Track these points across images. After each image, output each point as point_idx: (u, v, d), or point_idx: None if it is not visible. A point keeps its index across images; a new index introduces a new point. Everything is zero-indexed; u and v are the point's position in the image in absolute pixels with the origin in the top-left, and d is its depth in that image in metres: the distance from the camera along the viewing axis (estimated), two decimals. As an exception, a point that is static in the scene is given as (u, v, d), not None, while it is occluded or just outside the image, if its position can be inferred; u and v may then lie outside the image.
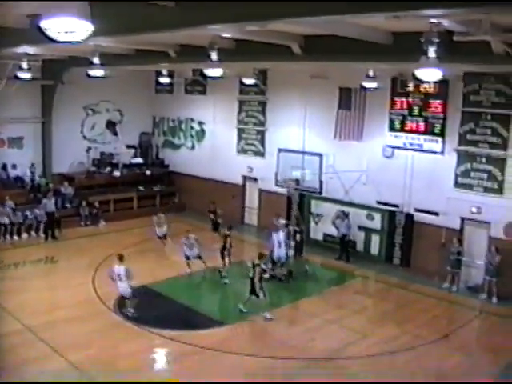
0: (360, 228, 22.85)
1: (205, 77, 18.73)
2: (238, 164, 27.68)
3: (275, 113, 26.12)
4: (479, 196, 19.77)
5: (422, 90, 20.61)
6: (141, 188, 29.70)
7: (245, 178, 27.84)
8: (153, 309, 17.18)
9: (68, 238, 24.38)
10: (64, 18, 6.58)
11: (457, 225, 20.38)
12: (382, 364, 14.30)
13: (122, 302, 16.68)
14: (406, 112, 21.46)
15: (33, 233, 24.49)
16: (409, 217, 21.64)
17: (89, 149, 29.19)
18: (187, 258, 19.95)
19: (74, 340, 14.70)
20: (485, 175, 19.65)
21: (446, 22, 10.55)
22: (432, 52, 11.15)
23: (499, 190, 19.28)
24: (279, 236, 20.20)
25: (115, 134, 30.64)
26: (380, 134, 22.29)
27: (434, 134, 20.72)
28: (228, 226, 20.69)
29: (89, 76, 19.81)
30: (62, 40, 6.94)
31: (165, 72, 27.22)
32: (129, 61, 21.79)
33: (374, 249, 22.71)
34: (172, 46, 18.99)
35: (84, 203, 26.82)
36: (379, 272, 21.39)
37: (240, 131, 27.79)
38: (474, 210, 19.77)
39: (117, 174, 29.13)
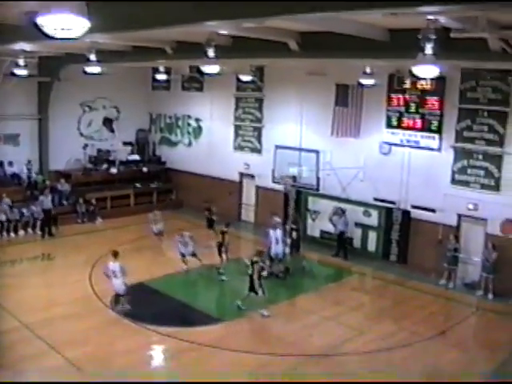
0: (357, 225, 22.86)
1: (202, 73, 18.75)
2: (235, 161, 27.67)
3: (272, 109, 26.12)
4: (476, 193, 19.80)
5: (418, 86, 20.69)
6: (138, 185, 29.67)
7: (242, 174, 27.85)
8: (150, 306, 17.17)
9: (65, 235, 24.34)
10: (61, 14, 6.57)
11: (453, 221, 20.41)
12: (378, 360, 14.33)
13: (116, 299, 16.64)
14: (402, 109, 21.47)
15: (29, 230, 24.42)
16: (406, 213, 21.67)
17: (85, 146, 29.17)
18: (182, 255, 19.94)
19: (71, 337, 14.69)
20: (481, 172, 19.68)
21: (442, 19, 10.56)
22: (429, 49, 11.16)
23: (496, 187, 19.31)
24: (276, 233, 20.21)
25: (112, 130, 30.63)
26: (377, 131, 22.31)
27: (430, 130, 20.74)
28: (225, 222, 20.68)
29: (85, 73, 19.73)
30: (58, 37, 6.94)
31: (161, 69, 27.16)
32: (125, 57, 21.74)
33: (371, 245, 22.73)
34: (169, 42, 18.95)
35: (81, 200, 26.77)
36: (376, 269, 21.43)
37: (237, 128, 27.77)
38: (471, 206, 19.80)
39: (114, 170, 29.10)
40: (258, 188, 27.12)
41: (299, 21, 12.25)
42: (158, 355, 14.82)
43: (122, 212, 27.86)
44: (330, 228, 23.42)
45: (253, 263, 16.75)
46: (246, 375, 13.16)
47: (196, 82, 29.43)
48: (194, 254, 19.97)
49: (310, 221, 24.60)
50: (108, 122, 30.54)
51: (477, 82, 19.47)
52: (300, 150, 23.77)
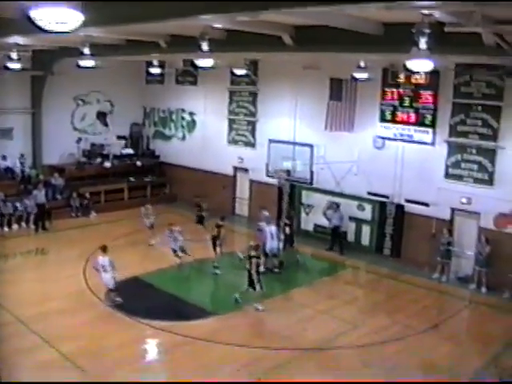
0: (351, 219, 22.89)
1: (196, 67, 18.70)
2: (229, 155, 27.66)
3: (266, 103, 26.10)
4: (469, 187, 19.86)
5: (412, 81, 20.69)
6: (131, 179, 29.63)
7: (236, 168, 27.84)
8: (144, 300, 17.17)
9: (59, 230, 24.29)
10: (55, 8, 6.55)
11: (447, 215, 20.47)
12: (372, 354, 14.38)
13: (108, 293, 16.65)
14: (396, 103, 21.49)
15: (23, 224, 24.38)
16: (399, 207, 21.72)
17: (79, 140, 29.10)
18: (174, 250, 19.88)
19: (65, 331, 14.70)
20: (475, 166, 19.73)
21: (437, 13, 10.56)
22: (423, 43, 11.15)
23: (489, 181, 19.37)
24: (271, 228, 20.21)
25: (106, 124, 30.56)
26: (371, 125, 22.33)
27: (424, 125, 20.77)
28: (221, 216, 20.64)
29: (79, 66, 19.64)
30: (52, 30, 6.92)
31: (155, 62, 27.05)
32: (119, 51, 21.67)
33: (365, 239, 22.78)
34: (163, 36, 18.91)
35: (75, 194, 26.72)
36: (370, 262, 21.48)
37: (231, 122, 27.75)
38: (465, 200, 19.86)
39: (107, 164, 29.04)
40: (251, 182, 27.13)
41: (294, 14, 12.23)
42: (151, 349, 14.82)
43: (116, 206, 27.83)
44: (323, 222, 23.47)
45: (250, 258, 16.77)
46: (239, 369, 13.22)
47: (190, 75, 29.37)
48: (183, 250, 19.89)
49: (303, 215, 24.63)
50: (102, 116, 30.47)
51: (471, 76, 19.49)
52: (294, 144, 23.74)
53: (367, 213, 22.57)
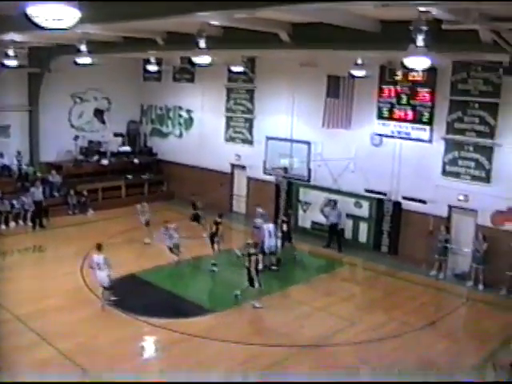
0: (348, 216, 22.91)
1: (193, 64, 18.66)
2: (226, 152, 27.64)
3: (263, 101, 26.09)
4: (467, 184, 19.87)
5: (410, 78, 20.68)
6: (129, 176, 29.60)
7: (233, 165, 27.82)
8: (141, 297, 17.18)
9: (56, 227, 24.27)
10: (52, 4, 6.54)
11: (444, 213, 20.49)
12: (369, 351, 14.40)
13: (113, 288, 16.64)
14: (394, 100, 21.49)
15: (20, 222, 24.37)
16: (397, 205, 21.74)
17: (76, 137, 29.01)
18: (169, 248, 19.87)
19: (62, 328, 14.69)
20: (472, 163, 19.74)
21: (434, 11, 10.56)
22: (420, 40, 11.14)
23: (486, 179, 19.39)
24: (269, 226, 20.21)
25: (103, 122, 30.52)
26: (368, 122, 22.32)
27: (421, 122, 20.77)
28: (218, 213, 20.62)
29: (76, 64, 19.63)
30: (49, 27, 6.91)
31: (153, 60, 27.03)
32: (116, 48, 21.67)
33: (362, 237, 22.80)
34: (160, 33, 18.91)
35: (72, 192, 26.69)
36: (367, 260, 21.50)
37: (228, 119, 27.74)
38: (462, 198, 19.88)
39: (105, 162, 29.02)
40: (249, 179, 27.11)
41: (291, 11, 12.23)
42: (149, 346, 14.81)
43: (114, 203, 27.76)
44: (321, 219, 23.49)
45: (250, 255, 16.78)
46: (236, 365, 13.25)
47: (187, 73, 29.33)
48: (177, 247, 19.86)
49: (301, 212, 24.64)
50: (99, 114, 30.42)
51: (468, 73, 19.50)
52: (291, 141, 23.80)
53: (364, 210, 22.58)
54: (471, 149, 19.74)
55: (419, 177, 20.90)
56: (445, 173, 20.42)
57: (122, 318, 15.67)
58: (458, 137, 20.02)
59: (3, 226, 23.80)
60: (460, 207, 20.16)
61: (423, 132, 20.75)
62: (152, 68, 27.63)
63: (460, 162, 20.04)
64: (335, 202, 22.77)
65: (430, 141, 20.69)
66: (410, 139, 21.16)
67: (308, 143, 24.18)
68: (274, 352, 14.11)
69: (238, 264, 17.83)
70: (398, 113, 21.39)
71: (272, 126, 25.60)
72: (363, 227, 22.71)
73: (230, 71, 26.07)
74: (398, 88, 21.27)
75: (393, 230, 21.88)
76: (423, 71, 18.70)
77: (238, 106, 27.27)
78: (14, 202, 24.31)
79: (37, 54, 25.13)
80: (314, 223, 24.23)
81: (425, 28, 10.87)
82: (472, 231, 19.82)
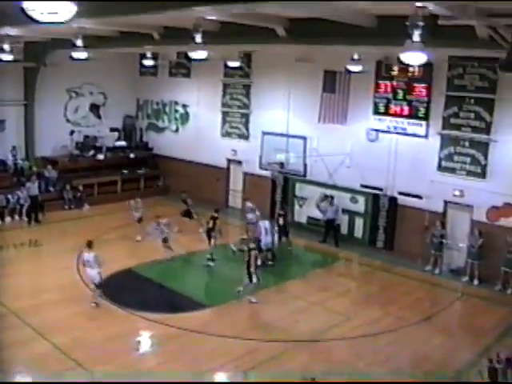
0: (344, 211, 22.91)
1: (189, 59, 18.69)
2: (223, 147, 27.62)
3: (260, 96, 26.07)
4: (462, 179, 19.90)
5: (406, 73, 20.66)
6: (125, 171, 29.56)
7: (229, 160, 27.82)
8: (137, 292, 17.20)
9: (52, 222, 24.24)
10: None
11: (440, 208, 20.52)
12: (365, 346, 14.43)
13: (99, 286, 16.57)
14: (390, 95, 21.49)
15: (16, 216, 24.31)
16: (392, 200, 21.76)
17: (72, 132, 28.95)
18: (163, 239, 19.73)
19: (58, 323, 14.69)
20: (468, 159, 19.76)
21: (431, 6, 10.56)
22: (417, 36, 11.14)
23: (482, 174, 19.40)
24: (265, 223, 20.21)
25: (99, 116, 30.47)
26: (364, 118, 22.32)
27: (418, 117, 20.78)
28: (215, 208, 20.58)
29: (72, 58, 19.55)
30: (45, 21, 6.89)
31: (149, 54, 26.91)
32: (112, 43, 21.61)
33: (358, 232, 22.82)
34: (156, 28, 18.86)
35: (68, 187, 26.64)
36: (363, 255, 21.55)
37: (224, 114, 27.71)
38: (457, 193, 19.91)
39: (100, 157, 28.98)
40: (245, 174, 27.11)
41: (288, 6, 12.21)
42: (145, 341, 14.82)
43: (109, 198, 27.73)
44: (317, 214, 23.48)
45: (250, 250, 16.80)
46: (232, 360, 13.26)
47: (183, 67, 29.29)
48: (165, 241, 19.64)
49: (297, 207, 24.66)
50: (95, 108, 30.36)
51: (464, 69, 19.52)
52: (287, 136, 23.78)
53: (360, 205, 22.60)
54: (467, 144, 19.76)
55: (415, 172, 20.93)
56: (440, 168, 20.45)
57: (118, 313, 15.67)
58: (453, 132, 20.04)
59: (-1, 221, 23.79)
60: (455, 203, 20.19)
61: (419, 127, 20.76)
62: (148, 63, 27.52)
63: (456, 158, 20.07)
64: (332, 198, 22.76)
65: (426, 136, 20.70)
66: (406, 134, 21.17)
67: (304, 138, 24.18)
68: (270, 347, 14.13)
69: (234, 259, 17.86)
70: (394, 108, 21.39)
71: (268, 121, 25.58)
72: (359, 222, 22.73)
73: (226, 66, 26.04)
74: (395, 83, 21.27)
75: (388, 226, 21.89)
76: (419, 66, 18.67)
77: (234, 101, 27.24)
78: (10, 196, 24.25)
79: (32, 48, 25.00)
80: (309, 218, 24.23)
81: (421, 23, 10.87)
82: (467, 227, 19.86)
